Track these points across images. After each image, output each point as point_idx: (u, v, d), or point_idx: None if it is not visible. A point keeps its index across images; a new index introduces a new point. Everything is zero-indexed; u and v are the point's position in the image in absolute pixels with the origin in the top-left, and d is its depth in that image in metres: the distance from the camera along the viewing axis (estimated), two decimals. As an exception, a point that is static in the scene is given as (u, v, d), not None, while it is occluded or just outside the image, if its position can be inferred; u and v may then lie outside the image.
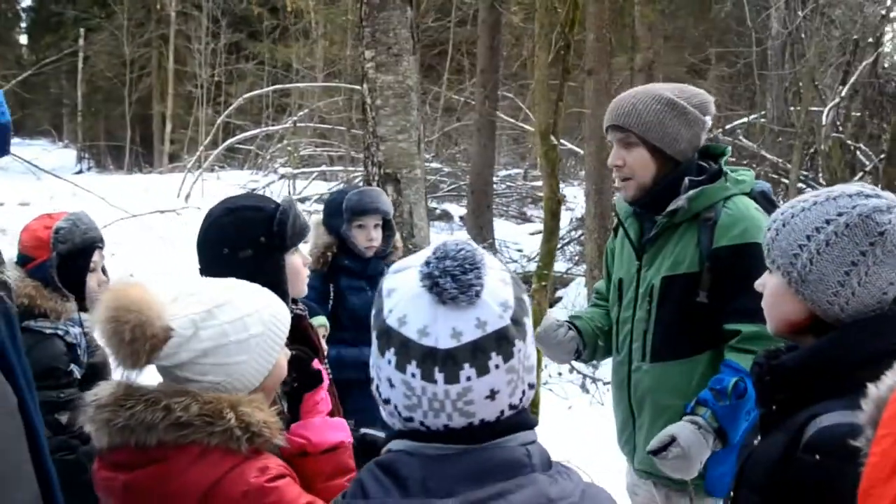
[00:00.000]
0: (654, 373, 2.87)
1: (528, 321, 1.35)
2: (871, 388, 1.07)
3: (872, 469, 0.95)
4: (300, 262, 2.46)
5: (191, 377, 1.81)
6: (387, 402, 1.33)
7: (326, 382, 2.20)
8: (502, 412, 1.30)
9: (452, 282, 1.26)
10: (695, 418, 2.58)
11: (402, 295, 1.30)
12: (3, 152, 1.52)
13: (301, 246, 2.53)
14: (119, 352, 1.74)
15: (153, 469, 1.76)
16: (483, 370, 1.26)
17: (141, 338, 1.72)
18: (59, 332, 3.09)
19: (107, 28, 31.65)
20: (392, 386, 1.30)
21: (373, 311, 1.36)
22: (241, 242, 2.32)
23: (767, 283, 1.92)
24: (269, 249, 2.34)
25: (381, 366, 1.32)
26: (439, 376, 1.25)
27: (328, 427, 2.08)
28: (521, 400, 1.33)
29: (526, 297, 1.37)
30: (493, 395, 1.28)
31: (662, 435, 2.59)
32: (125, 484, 1.77)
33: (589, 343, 3.13)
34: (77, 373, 3.12)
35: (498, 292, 1.30)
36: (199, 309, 1.82)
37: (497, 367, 1.27)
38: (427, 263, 1.28)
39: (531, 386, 1.36)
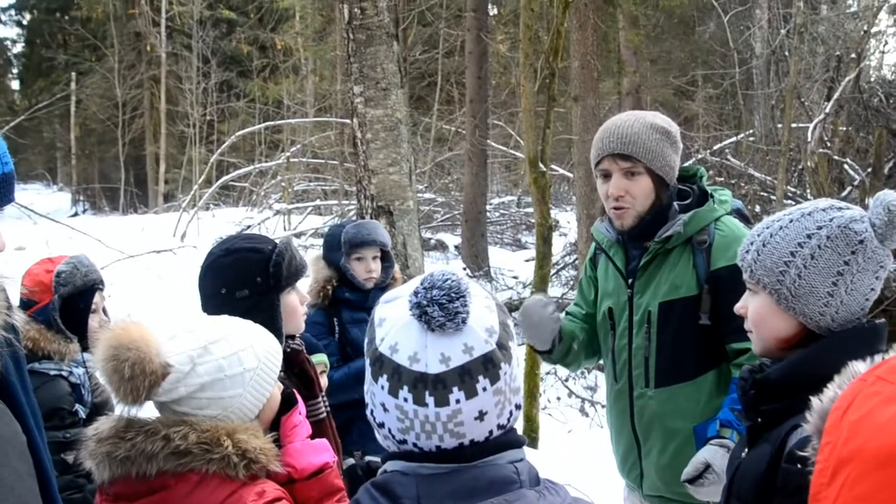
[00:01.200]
0: (660, 398, 2.85)
1: (513, 345, 1.42)
2: (815, 401, 1.13)
3: (818, 475, 1.01)
4: (297, 300, 2.53)
5: (189, 411, 1.87)
6: (381, 425, 1.40)
7: (303, 407, 2.22)
8: (491, 432, 1.37)
9: (440, 310, 1.32)
10: (723, 441, 2.55)
11: (393, 324, 1.37)
12: (7, 200, 1.57)
13: (301, 283, 2.59)
14: (120, 388, 1.80)
15: (154, 498, 1.81)
16: (471, 393, 1.32)
17: (140, 374, 1.78)
18: (63, 374, 3.15)
19: (98, 71, 31.82)
20: (386, 410, 1.37)
21: (366, 340, 1.43)
22: (238, 283, 2.40)
23: (751, 305, 1.97)
24: (265, 290, 2.41)
25: (374, 392, 1.38)
26: (430, 400, 1.32)
27: (310, 451, 2.10)
28: (508, 420, 1.40)
29: (511, 323, 1.44)
30: (481, 416, 1.34)
31: (696, 462, 2.54)
32: None
33: (565, 339, 3.05)
34: (82, 412, 3.18)
35: (483, 319, 1.37)
36: (196, 345, 1.89)
37: (485, 389, 1.33)
38: (416, 294, 1.35)
39: (518, 406, 1.42)
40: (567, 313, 3.30)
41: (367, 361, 1.40)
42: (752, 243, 1.93)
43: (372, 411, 1.42)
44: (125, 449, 1.81)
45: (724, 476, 2.47)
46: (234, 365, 1.90)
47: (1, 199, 1.55)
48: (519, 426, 1.46)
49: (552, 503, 1.34)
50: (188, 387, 1.85)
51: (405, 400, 1.33)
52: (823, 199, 1.94)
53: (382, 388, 1.35)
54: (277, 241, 2.53)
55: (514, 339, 1.43)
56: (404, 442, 1.37)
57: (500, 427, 1.38)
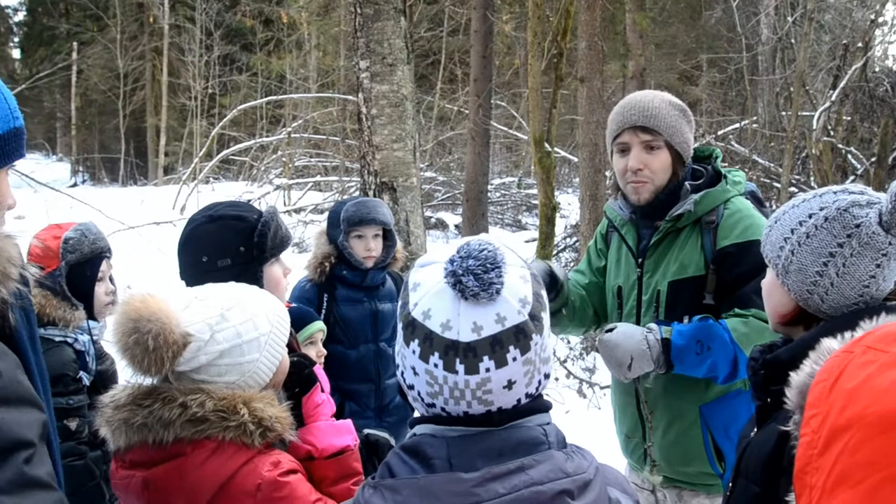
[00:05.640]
0: (667, 377, 2.82)
1: (546, 315, 1.43)
2: (793, 377, 1.16)
3: (806, 448, 1.02)
4: (280, 272, 2.48)
5: (208, 379, 1.89)
6: (411, 387, 1.42)
7: (327, 384, 2.21)
8: (519, 400, 1.38)
9: (475, 280, 1.33)
10: (652, 326, 2.69)
11: (427, 289, 1.38)
12: (19, 155, 1.56)
13: (287, 255, 2.55)
14: (144, 361, 1.80)
15: (171, 464, 1.82)
16: (501, 362, 1.34)
17: (164, 345, 1.79)
18: (69, 340, 3.14)
19: (100, 41, 31.70)
20: (416, 374, 1.38)
21: (399, 303, 1.44)
22: (220, 251, 2.36)
23: (765, 278, 2.00)
24: (248, 260, 2.37)
25: (406, 354, 1.40)
26: (460, 367, 1.33)
27: (334, 431, 2.11)
28: (537, 388, 1.42)
29: (544, 293, 1.45)
30: (510, 385, 1.35)
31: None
32: (144, 481, 1.84)
33: (563, 293, 2.99)
34: (86, 380, 3.18)
35: (517, 289, 1.38)
36: (213, 313, 1.89)
37: (514, 359, 1.35)
38: (451, 262, 1.36)
39: (547, 375, 1.44)
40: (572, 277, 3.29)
41: (400, 325, 1.42)
42: (770, 219, 1.96)
43: (402, 373, 1.43)
44: (142, 416, 1.82)
45: (620, 340, 2.67)
46: (249, 330, 1.91)
47: (12, 154, 1.54)
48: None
49: (580, 465, 1.35)
50: (208, 354, 1.86)
51: (435, 366, 1.35)
52: (855, 185, 1.93)
53: (414, 352, 1.37)
54: (263, 210, 2.49)
55: (546, 309, 1.44)
56: (433, 405, 1.39)
57: (528, 395, 1.39)
